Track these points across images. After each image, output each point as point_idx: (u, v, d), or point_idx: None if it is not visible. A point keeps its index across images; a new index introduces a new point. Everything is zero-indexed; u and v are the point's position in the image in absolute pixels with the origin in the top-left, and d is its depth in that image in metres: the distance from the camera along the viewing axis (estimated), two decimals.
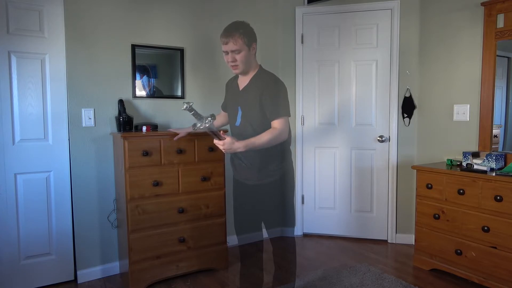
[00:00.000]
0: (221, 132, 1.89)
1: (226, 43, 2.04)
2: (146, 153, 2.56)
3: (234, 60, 2.06)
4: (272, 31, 3.61)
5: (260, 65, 2.19)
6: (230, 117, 2.27)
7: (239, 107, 2.15)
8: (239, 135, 2.09)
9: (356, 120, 3.55)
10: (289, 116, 2.07)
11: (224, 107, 2.49)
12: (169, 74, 3.08)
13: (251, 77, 2.14)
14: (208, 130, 1.87)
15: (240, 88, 2.18)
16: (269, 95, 2.02)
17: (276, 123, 2.00)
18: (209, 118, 1.84)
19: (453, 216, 2.69)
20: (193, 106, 1.83)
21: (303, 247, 3.42)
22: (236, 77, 2.27)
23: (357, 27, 3.48)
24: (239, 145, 1.87)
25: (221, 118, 2.56)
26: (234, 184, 2.34)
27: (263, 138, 1.93)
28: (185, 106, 1.80)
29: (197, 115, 1.84)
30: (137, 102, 2.94)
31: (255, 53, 2.14)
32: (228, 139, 1.84)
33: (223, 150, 1.88)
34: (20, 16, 2.51)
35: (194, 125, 1.87)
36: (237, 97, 2.19)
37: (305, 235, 3.74)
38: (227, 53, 2.07)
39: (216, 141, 1.89)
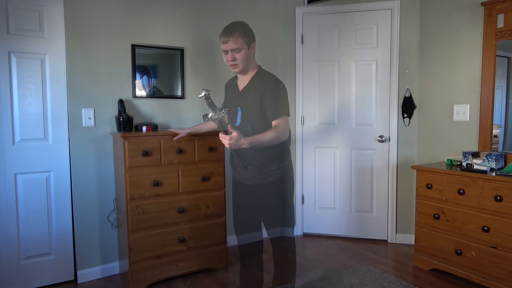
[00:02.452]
0: (229, 126, 1.86)
1: (226, 42, 2.04)
2: (146, 153, 2.56)
3: (234, 59, 2.06)
4: (272, 31, 3.61)
5: (259, 65, 2.19)
6: (230, 118, 2.27)
7: (239, 108, 2.15)
8: None
9: (356, 120, 3.55)
10: (289, 116, 2.08)
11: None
12: (169, 74, 3.08)
13: (251, 77, 2.14)
14: (218, 122, 1.86)
15: (240, 89, 2.18)
16: (270, 95, 2.03)
17: (278, 123, 2.00)
18: (224, 110, 1.84)
19: (453, 216, 2.69)
20: (210, 95, 1.84)
21: (303, 247, 3.42)
22: (235, 78, 2.28)
23: (357, 27, 3.48)
24: (245, 142, 1.84)
25: None
26: (233, 184, 2.34)
27: (267, 136, 1.92)
28: (203, 94, 1.80)
29: (212, 105, 1.84)
30: (137, 102, 2.94)
31: (254, 53, 2.14)
32: (235, 134, 1.80)
33: (228, 146, 1.81)
34: (20, 16, 2.51)
35: (205, 115, 1.85)
36: (237, 97, 2.19)
37: (305, 235, 3.74)
38: (226, 52, 2.07)
39: (222, 136, 1.82)
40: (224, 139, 1.81)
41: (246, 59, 2.08)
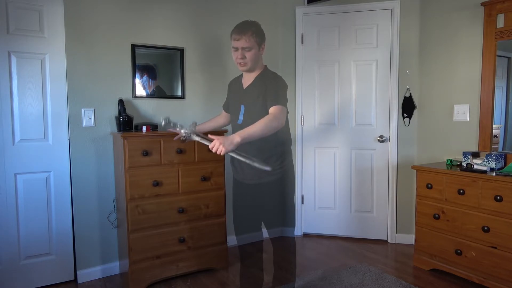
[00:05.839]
0: (208, 135, 1.83)
1: (238, 40, 2.06)
2: (146, 153, 2.56)
3: (244, 57, 2.08)
4: (272, 31, 3.61)
5: (265, 65, 2.21)
6: (233, 116, 2.27)
7: (242, 105, 2.16)
8: None
9: (356, 120, 3.55)
10: (285, 106, 2.06)
11: (226, 108, 2.49)
12: (169, 74, 3.08)
13: (256, 76, 2.15)
14: (196, 136, 1.87)
15: (244, 87, 2.19)
16: (271, 89, 2.05)
17: (272, 109, 2.00)
18: (190, 124, 1.88)
19: (453, 216, 2.69)
20: (170, 119, 1.89)
21: (303, 247, 3.42)
22: (239, 77, 2.29)
23: (357, 27, 3.48)
24: (234, 138, 1.78)
25: (222, 119, 2.57)
26: (233, 184, 2.34)
27: (257, 126, 1.88)
28: (163, 122, 1.97)
29: (178, 126, 1.90)
30: (137, 102, 2.94)
31: (263, 53, 2.15)
32: (216, 139, 1.76)
33: (220, 152, 1.75)
34: (20, 16, 2.51)
35: (182, 138, 1.91)
36: (241, 95, 2.20)
37: (305, 235, 3.73)
38: (236, 49, 2.08)
39: (210, 147, 1.79)
40: (213, 149, 1.77)
41: (255, 58, 2.10)
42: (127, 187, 2.53)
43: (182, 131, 1.84)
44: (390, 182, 3.48)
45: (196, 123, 1.87)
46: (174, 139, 2.63)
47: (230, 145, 1.77)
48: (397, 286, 2.63)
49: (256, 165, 1.82)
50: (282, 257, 2.42)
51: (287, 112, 2.11)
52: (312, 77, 3.62)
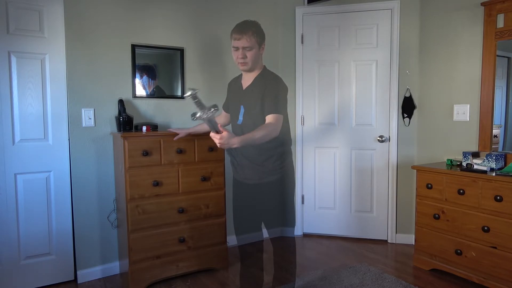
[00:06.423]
0: (219, 125, 1.82)
1: (239, 39, 2.05)
2: (146, 153, 2.56)
3: (244, 57, 2.08)
4: (272, 31, 3.60)
5: (264, 65, 2.21)
6: (232, 116, 2.27)
7: (241, 106, 2.15)
8: (240, 134, 2.09)
9: (356, 120, 3.55)
10: (283, 115, 2.08)
11: (226, 108, 2.49)
12: (169, 74, 3.08)
13: (255, 76, 2.15)
14: (207, 122, 1.80)
15: (244, 87, 2.19)
16: (270, 92, 2.05)
17: (271, 118, 2.00)
18: (212, 109, 1.77)
19: (453, 216, 2.69)
20: (198, 95, 1.78)
21: (303, 247, 3.42)
22: (239, 77, 2.29)
23: (357, 27, 3.48)
24: (235, 141, 1.83)
25: (222, 119, 2.57)
26: (234, 184, 2.34)
27: (257, 134, 1.92)
28: (189, 93, 1.74)
29: (199, 104, 1.77)
30: (137, 102, 2.94)
31: (262, 53, 2.16)
32: (225, 133, 1.80)
33: (219, 145, 1.82)
34: (20, 16, 2.51)
35: (194, 114, 1.78)
36: (240, 96, 2.20)
37: (305, 235, 3.74)
38: (237, 49, 2.08)
39: (212, 134, 1.82)
40: (215, 138, 1.81)
41: (255, 58, 2.10)
42: (127, 187, 2.53)
43: (199, 113, 1.75)
44: (390, 182, 3.48)
45: (217, 108, 1.77)
46: (174, 139, 2.64)
47: (226, 145, 1.82)
48: (397, 286, 2.63)
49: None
50: (282, 257, 2.42)
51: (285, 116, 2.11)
52: (312, 77, 3.62)
